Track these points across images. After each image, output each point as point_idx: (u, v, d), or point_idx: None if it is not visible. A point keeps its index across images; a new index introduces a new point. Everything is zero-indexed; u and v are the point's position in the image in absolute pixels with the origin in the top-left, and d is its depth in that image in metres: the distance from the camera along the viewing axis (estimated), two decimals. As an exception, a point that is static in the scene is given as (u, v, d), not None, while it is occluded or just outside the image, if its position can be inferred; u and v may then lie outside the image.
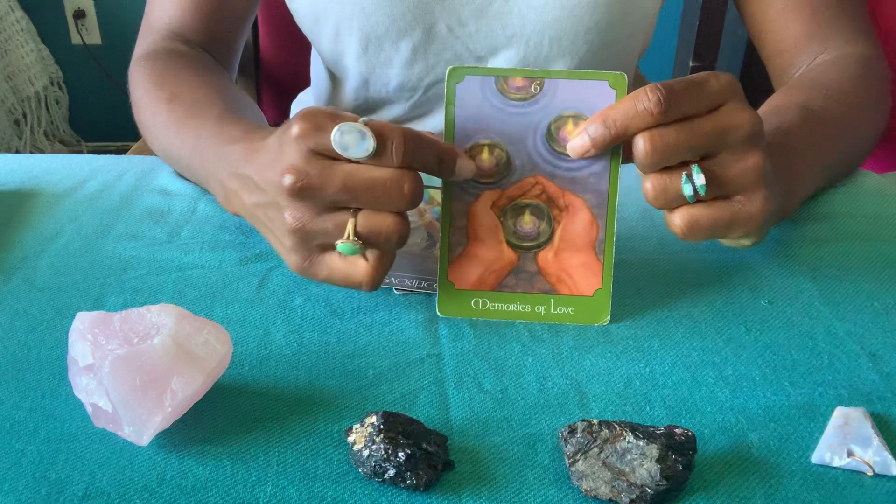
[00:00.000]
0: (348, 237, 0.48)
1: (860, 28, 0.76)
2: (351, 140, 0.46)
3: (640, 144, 0.48)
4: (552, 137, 0.52)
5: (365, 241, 0.48)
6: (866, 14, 0.78)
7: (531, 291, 0.54)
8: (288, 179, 0.47)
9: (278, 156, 0.49)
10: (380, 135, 0.47)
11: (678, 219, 0.50)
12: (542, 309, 0.54)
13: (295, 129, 0.47)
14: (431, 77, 0.81)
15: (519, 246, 0.54)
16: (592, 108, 0.51)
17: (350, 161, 0.47)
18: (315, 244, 0.50)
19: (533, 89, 0.51)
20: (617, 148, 0.51)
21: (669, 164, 0.49)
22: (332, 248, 0.50)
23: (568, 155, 0.52)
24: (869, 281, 0.58)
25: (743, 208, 0.50)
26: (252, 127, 0.58)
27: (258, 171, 0.51)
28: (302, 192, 0.47)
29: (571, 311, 0.54)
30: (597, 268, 0.53)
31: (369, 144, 0.46)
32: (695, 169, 0.49)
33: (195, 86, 0.68)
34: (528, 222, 0.53)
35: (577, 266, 0.54)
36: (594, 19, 0.76)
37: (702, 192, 0.49)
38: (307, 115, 0.48)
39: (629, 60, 0.86)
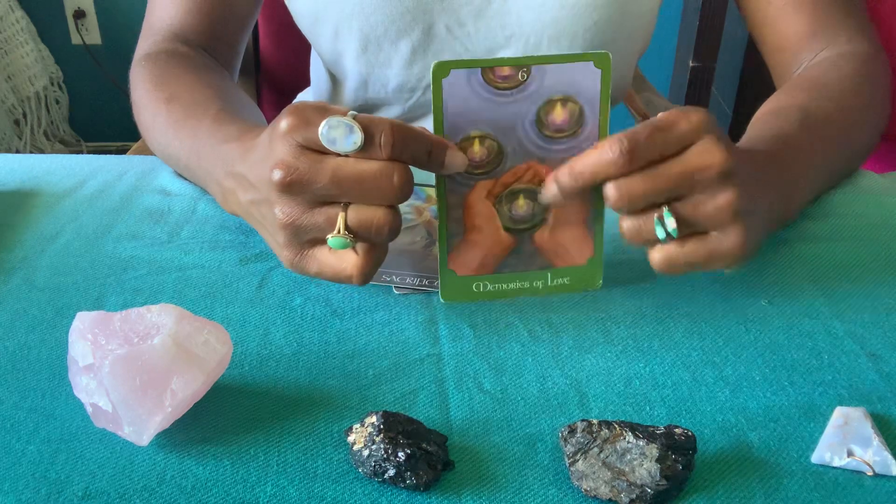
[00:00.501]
0: (339, 231, 0.48)
1: (861, 26, 0.76)
2: (338, 134, 0.46)
3: (609, 192, 0.49)
4: (542, 122, 0.52)
5: (356, 234, 0.48)
6: (866, 12, 0.78)
7: (530, 268, 0.55)
8: (277, 174, 0.47)
9: (268, 152, 0.49)
10: (367, 128, 0.47)
11: (656, 256, 0.51)
12: (539, 283, 0.56)
13: (283, 124, 0.48)
14: (430, 78, 0.81)
15: (515, 229, 0.54)
16: (580, 89, 0.52)
17: (339, 155, 0.47)
18: (306, 239, 0.50)
19: (520, 77, 0.51)
20: (605, 127, 0.52)
21: (640, 209, 0.50)
22: (323, 242, 0.50)
23: (557, 138, 0.52)
24: (869, 281, 0.58)
25: (719, 245, 0.50)
26: (247, 126, 0.58)
27: (251, 169, 0.51)
28: (291, 186, 0.47)
29: (567, 280, 0.56)
30: (589, 239, 0.55)
31: (357, 137, 0.46)
32: (666, 213, 0.49)
33: (195, 87, 0.68)
34: (522, 206, 0.54)
35: (572, 239, 0.55)
36: (593, 19, 0.76)
37: (674, 235, 0.49)
38: (296, 109, 0.48)
39: (629, 60, 0.86)
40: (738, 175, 0.50)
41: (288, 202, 0.48)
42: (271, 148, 0.49)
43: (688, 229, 0.50)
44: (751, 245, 0.51)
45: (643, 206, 0.50)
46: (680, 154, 0.49)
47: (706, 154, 0.48)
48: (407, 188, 0.48)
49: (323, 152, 0.48)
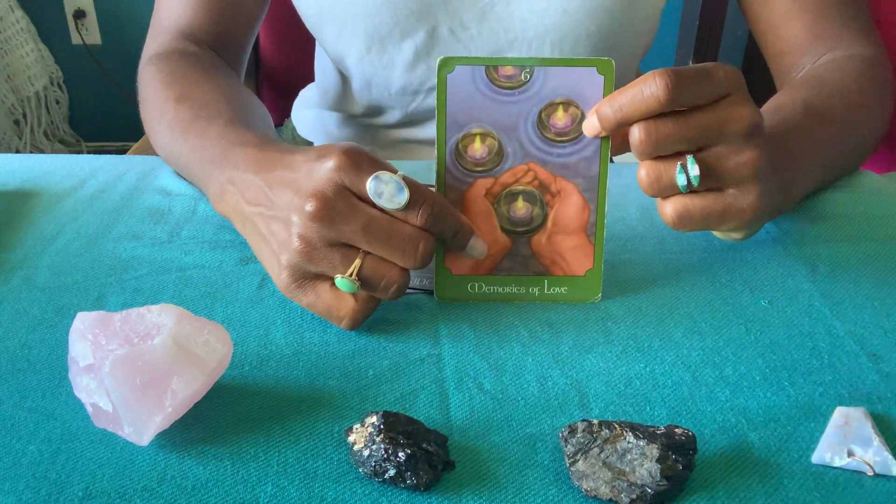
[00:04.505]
0: (351, 275, 0.48)
1: (863, 29, 0.76)
2: (387, 189, 0.48)
3: (636, 133, 0.49)
4: (543, 125, 0.52)
5: (364, 282, 0.49)
6: (869, 16, 0.78)
7: (526, 273, 0.55)
8: (312, 205, 0.48)
9: (306, 179, 0.49)
10: (412, 193, 0.48)
11: (670, 208, 0.51)
12: (535, 290, 0.55)
13: (334, 161, 0.48)
14: (433, 80, 0.81)
15: (513, 231, 0.55)
16: (581, 94, 0.52)
17: (373, 206, 0.48)
18: (312, 270, 0.50)
19: (523, 77, 0.52)
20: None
21: (665, 154, 0.50)
22: (327, 278, 0.50)
23: (559, 142, 0.53)
24: (869, 281, 0.58)
25: (735, 202, 0.51)
26: (265, 136, 0.58)
27: (273, 184, 0.51)
28: (322, 220, 0.48)
29: (564, 290, 0.55)
30: (588, 249, 0.55)
31: (404, 198, 0.48)
32: (690, 160, 0.49)
33: (205, 88, 0.68)
34: (521, 208, 0.54)
35: (570, 248, 0.55)
36: (595, 24, 0.76)
37: (695, 183, 0.49)
38: (350, 151, 0.49)
39: (631, 64, 0.86)
40: (763, 137, 0.50)
41: (311, 233, 0.48)
42: (311, 176, 0.49)
43: (707, 183, 0.50)
44: (763, 209, 0.51)
45: (668, 152, 0.49)
46: (712, 104, 0.49)
47: (737, 108, 0.49)
48: (427, 258, 0.49)
49: (361, 199, 0.49)
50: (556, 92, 0.52)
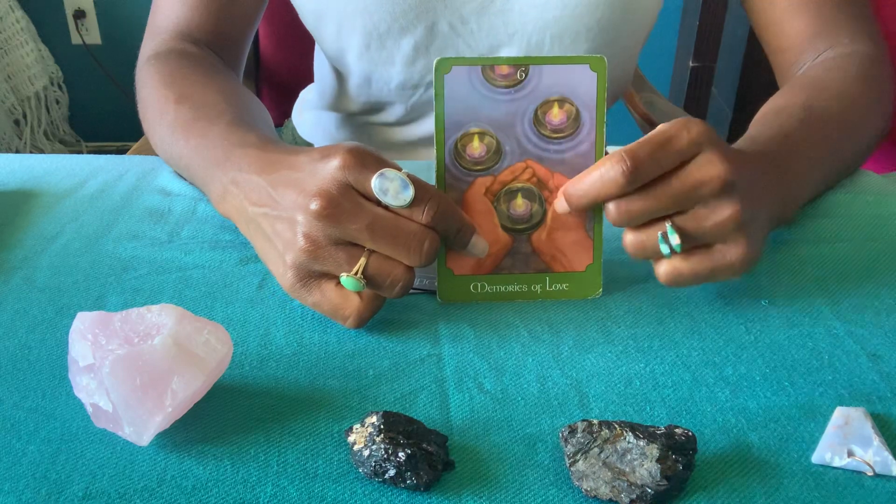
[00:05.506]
0: (356, 273, 0.48)
1: (864, 27, 0.76)
2: (392, 187, 0.48)
3: (610, 211, 0.50)
4: (539, 122, 0.53)
5: (369, 281, 0.49)
6: (871, 13, 0.78)
7: (527, 271, 0.55)
8: (317, 203, 0.48)
9: (310, 178, 0.49)
10: (417, 190, 0.48)
11: (661, 270, 0.52)
12: (538, 287, 0.56)
13: (339, 160, 0.48)
14: (432, 75, 0.81)
15: (513, 229, 0.55)
16: (575, 91, 0.53)
17: (379, 204, 0.49)
18: (317, 269, 0.50)
19: (518, 76, 0.52)
20: (601, 129, 0.53)
21: (643, 224, 0.50)
22: (332, 277, 0.50)
23: (555, 138, 0.53)
24: (869, 281, 0.58)
25: (723, 258, 0.51)
26: (266, 137, 0.58)
27: (277, 184, 0.51)
28: (327, 219, 0.48)
29: (566, 286, 0.56)
30: (588, 244, 0.55)
31: (409, 195, 0.48)
32: (669, 229, 0.50)
33: (206, 88, 0.68)
34: (520, 205, 0.54)
35: (570, 244, 0.55)
36: (595, 18, 0.76)
37: (678, 251, 0.50)
38: (354, 150, 0.49)
39: (630, 58, 0.86)
40: (740, 185, 0.50)
41: (316, 231, 0.48)
42: (315, 176, 0.49)
43: (692, 242, 0.50)
44: (754, 253, 0.51)
45: (645, 221, 0.50)
46: (680, 168, 0.49)
47: (707, 168, 0.49)
48: (432, 256, 0.49)
49: (366, 197, 0.49)
50: (551, 89, 0.52)
